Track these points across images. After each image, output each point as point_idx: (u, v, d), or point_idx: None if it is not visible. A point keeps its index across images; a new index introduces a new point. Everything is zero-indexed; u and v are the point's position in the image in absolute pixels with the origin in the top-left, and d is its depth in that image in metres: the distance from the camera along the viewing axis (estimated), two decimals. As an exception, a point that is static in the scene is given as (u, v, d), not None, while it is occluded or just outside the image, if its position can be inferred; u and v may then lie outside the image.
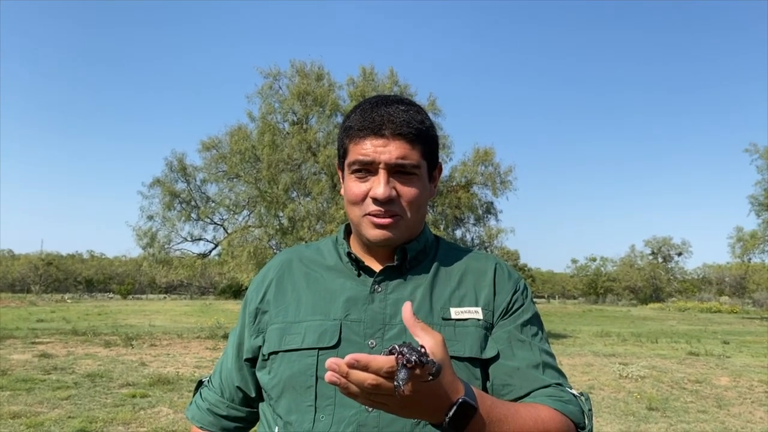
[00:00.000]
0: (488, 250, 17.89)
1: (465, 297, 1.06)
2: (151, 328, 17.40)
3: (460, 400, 0.77)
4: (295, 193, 17.12)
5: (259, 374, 1.09)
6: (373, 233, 1.03)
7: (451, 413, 0.76)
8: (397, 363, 0.67)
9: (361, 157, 1.01)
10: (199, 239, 18.69)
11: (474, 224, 18.46)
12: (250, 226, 17.68)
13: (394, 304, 1.02)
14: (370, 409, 0.94)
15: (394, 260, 1.07)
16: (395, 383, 0.67)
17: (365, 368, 0.68)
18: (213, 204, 18.16)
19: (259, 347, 1.09)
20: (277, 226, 16.22)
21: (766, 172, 27.70)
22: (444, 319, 1.02)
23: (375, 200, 1.01)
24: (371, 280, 1.06)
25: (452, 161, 17.95)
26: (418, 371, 0.68)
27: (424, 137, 1.04)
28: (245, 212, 18.26)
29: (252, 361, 1.12)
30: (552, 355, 1.06)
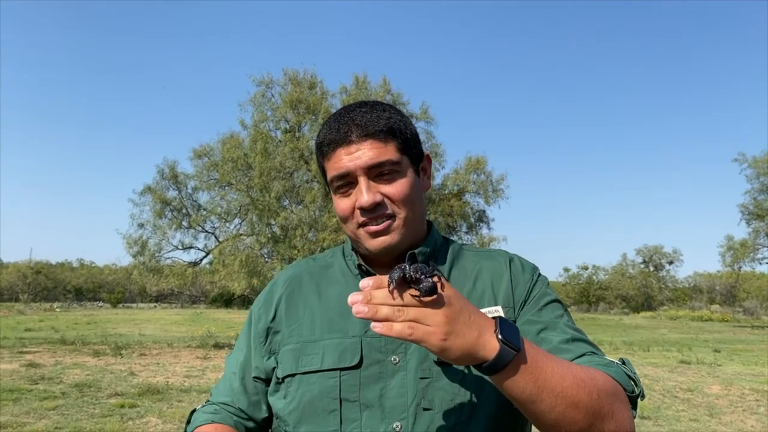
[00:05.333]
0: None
1: (483, 297, 1.02)
2: (141, 338, 17.23)
3: (500, 318, 0.76)
4: (287, 202, 17.10)
5: (272, 399, 1.02)
6: (372, 243, 0.99)
7: (499, 327, 0.74)
8: (396, 267, 0.73)
9: (336, 172, 0.98)
10: (190, 247, 18.63)
11: (466, 232, 18.51)
12: (241, 234, 17.62)
13: None
14: (398, 428, 0.90)
15: None
16: (388, 280, 0.71)
17: (380, 286, 0.72)
18: (204, 212, 18.10)
19: (273, 368, 1.03)
20: (269, 235, 16.17)
21: (755, 182, 28.02)
22: None
23: (362, 210, 0.97)
24: None
25: (444, 170, 18.04)
26: (409, 275, 0.72)
27: (395, 131, 0.99)
28: (237, 220, 18.22)
29: (264, 381, 1.06)
30: (581, 332, 1.01)
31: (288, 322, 1.04)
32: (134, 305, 52.46)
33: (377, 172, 0.97)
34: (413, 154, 1.03)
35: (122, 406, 7.00)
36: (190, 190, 18.31)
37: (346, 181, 0.98)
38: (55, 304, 45.22)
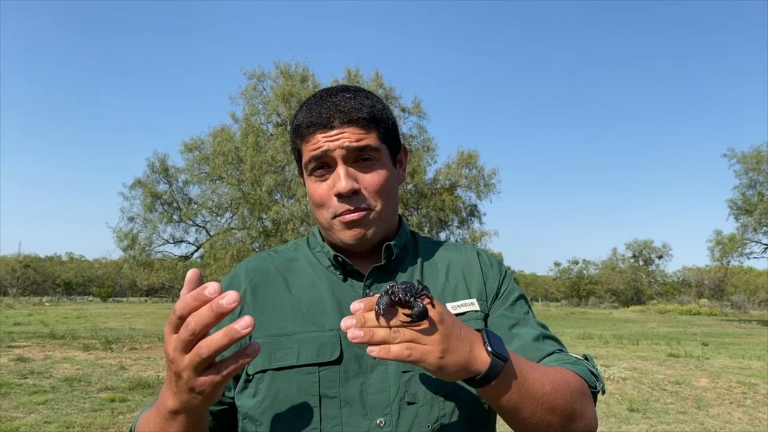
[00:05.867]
0: (472, 252, 17.99)
1: (457, 290, 1.02)
2: (132, 332, 17.14)
3: (485, 330, 0.77)
4: (278, 196, 17.03)
5: (239, 398, 0.94)
6: (346, 234, 0.97)
7: (487, 340, 0.75)
8: (384, 291, 0.72)
9: (314, 153, 0.95)
10: (181, 241, 18.55)
11: (458, 227, 18.56)
12: (233, 228, 17.56)
13: None
14: (382, 424, 0.88)
15: (381, 259, 1.00)
16: (376, 308, 0.70)
17: (372, 308, 0.71)
18: (195, 206, 18.02)
19: None
20: (261, 229, 16.12)
21: (743, 177, 28.28)
22: None
23: (339, 197, 0.95)
24: (359, 284, 1.00)
25: (436, 164, 18.08)
26: (399, 299, 0.71)
27: (378, 120, 0.97)
28: (228, 214, 18.17)
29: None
30: (546, 327, 1.04)
31: (256, 315, 0.96)
32: (124, 299, 52.23)
33: (356, 157, 0.95)
34: (392, 144, 1.02)
35: (113, 401, 6.98)
36: (180, 184, 18.26)
37: (323, 163, 0.95)
38: (45, 298, 44.90)
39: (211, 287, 0.68)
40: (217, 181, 17.32)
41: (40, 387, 7.67)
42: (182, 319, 0.69)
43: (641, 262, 62.59)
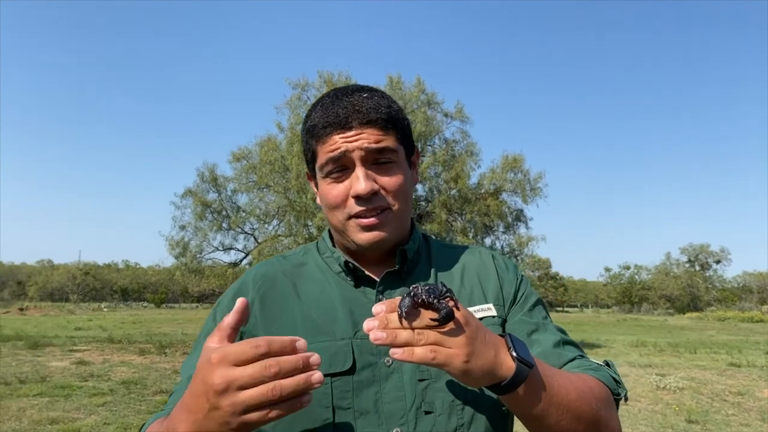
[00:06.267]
0: (518, 258, 17.66)
1: (473, 294, 0.99)
2: (184, 336, 17.67)
3: (509, 335, 0.75)
4: (323, 203, 17.21)
5: None
6: (363, 237, 0.93)
7: (512, 345, 0.73)
8: (406, 294, 0.70)
9: (331, 154, 0.91)
10: (230, 249, 18.94)
11: (504, 232, 18.24)
12: (279, 235, 17.85)
13: None
14: None
15: (395, 264, 0.98)
16: (398, 309, 0.68)
17: (395, 309, 0.68)
18: (243, 214, 18.41)
19: None
20: (307, 235, 16.33)
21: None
22: None
23: (357, 199, 0.91)
24: (371, 290, 0.97)
25: (480, 168, 17.80)
26: (421, 301, 0.69)
27: (395, 121, 0.95)
28: (275, 222, 18.46)
29: None
30: (566, 333, 1.01)
31: (265, 325, 0.94)
32: (177, 305, 53.87)
33: (374, 159, 0.92)
34: (408, 146, 1.00)
35: (166, 403, 7.20)
36: (229, 193, 18.65)
37: (341, 165, 0.92)
38: (103, 304, 46.83)
39: (301, 342, 0.66)
40: (264, 190, 17.66)
41: (100, 389, 8.00)
42: (258, 354, 0.64)
43: (697, 267, 60.09)
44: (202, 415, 0.66)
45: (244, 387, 0.63)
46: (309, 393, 0.66)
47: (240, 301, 0.72)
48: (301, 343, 0.66)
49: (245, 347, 0.64)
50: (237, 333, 0.72)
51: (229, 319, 0.71)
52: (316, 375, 0.65)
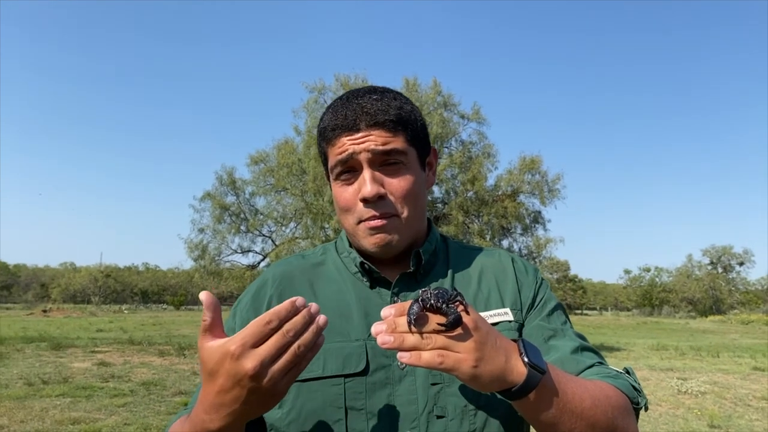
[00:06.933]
0: (536, 260, 17.52)
1: (490, 298, 0.98)
2: (203, 338, 17.81)
3: (522, 340, 0.74)
4: (340, 205, 17.27)
5: None
6: (371, 241, 0.94)
7: (524, 350, 0.72)
8: (416, 298, 0.70)
9: (339, 157, 0.92)
10: (248, 251, 19.11)
11: (521, 234, 18.11)
12: (297, 237, 17.95)
13: None
14: None
15: (410, 266, 0.97)
16: (407, 314, 0.68)
17: (403, 313, 0.69)
18: (261, 216, 18.55)
19: None
20: (324, 238, 16.38)
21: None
22: None
23: (364, 202, 0.92)
24: (386, 291, 0.97)
25: (498, 170, 17.70)
26: (430, 306, 0.69)
27: (405, 122, 0.94)
28: (292, 224, 18.57)
29: None
30: (585, 338, 0.99)
31: None
32: (196, 307, 54.34)
33: (382, 160, 0.92)
34: (421, 147, 0.98)
35: (186, 404, 7.25)
36: (247, 196, 18.82)
37: (349, 167, 0.93)
38: (124, 306, 47.52)
39: (299, 300, 0.72)
40: (282, 192, 17.77)
41: (120, 390, 8.11)
42: (271, 328, 0.69)
43: (720, 270, 59.05)
44: (239, 405, 0.70)
45: (274, 360, 0.69)
46: (322, 335, 0.73)
47: (204, 294, 0.73)
48: (300, 301, 0.71)
49: (258, 328, 0.69)
50: (222, 324, 0.74)
51: (206, 316, 0.73)
52: (322, 318, 0.72)
